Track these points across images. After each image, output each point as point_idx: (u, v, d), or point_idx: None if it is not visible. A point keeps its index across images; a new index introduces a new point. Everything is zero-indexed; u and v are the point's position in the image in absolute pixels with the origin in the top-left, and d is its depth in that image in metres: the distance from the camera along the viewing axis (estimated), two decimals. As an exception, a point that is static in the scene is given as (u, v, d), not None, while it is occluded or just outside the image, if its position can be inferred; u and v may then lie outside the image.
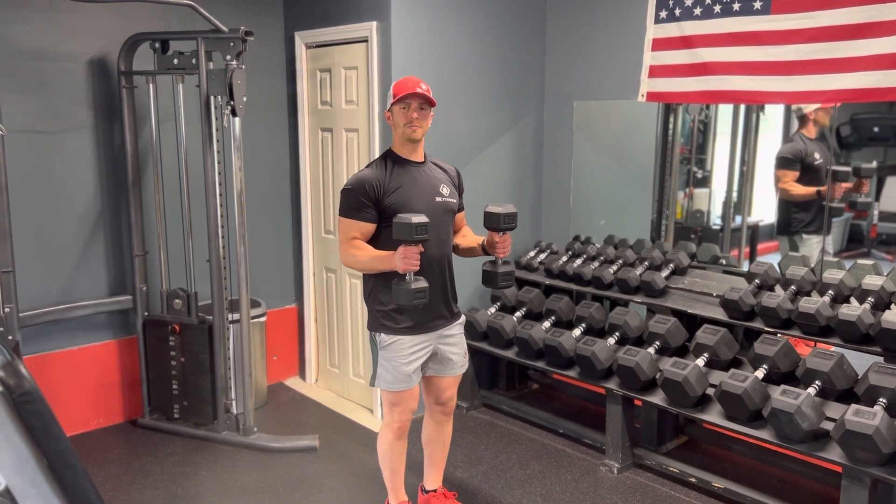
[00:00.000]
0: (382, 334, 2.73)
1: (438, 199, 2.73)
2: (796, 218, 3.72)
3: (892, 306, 3.00)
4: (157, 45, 3.69)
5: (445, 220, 2.76)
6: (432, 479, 3.11)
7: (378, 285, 2.71)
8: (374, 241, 2.69)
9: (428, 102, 2.67)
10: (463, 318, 2.92)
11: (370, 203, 2.63)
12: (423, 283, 2.49)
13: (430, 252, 2.68)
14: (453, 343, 2.86)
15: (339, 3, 4.02)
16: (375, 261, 2.62)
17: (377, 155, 3.82)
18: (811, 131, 3.62)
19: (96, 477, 3.43)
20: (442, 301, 2.78)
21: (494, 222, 2.68)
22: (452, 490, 3.23)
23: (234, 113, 3.47)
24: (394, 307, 2.68)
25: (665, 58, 3.74)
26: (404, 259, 2.47)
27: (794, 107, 3.65)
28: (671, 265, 3.83)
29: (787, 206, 3.79)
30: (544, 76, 4.52)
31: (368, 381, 2.94)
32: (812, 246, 3.60)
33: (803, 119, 3.64)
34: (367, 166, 2.74)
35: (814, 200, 3.62)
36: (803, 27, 3.23)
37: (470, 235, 2.95)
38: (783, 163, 3.72)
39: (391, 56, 3.74)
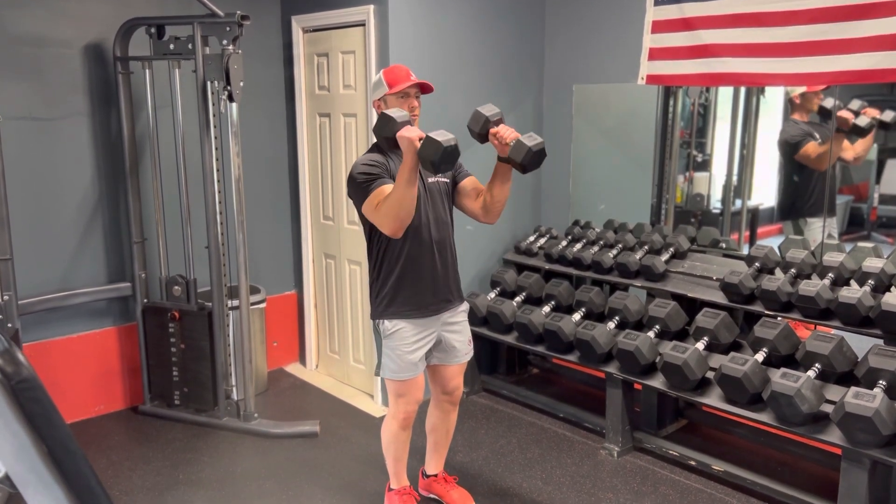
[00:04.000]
0: (385, 322, 2.72)
1: (431, 179, 2.73)
2: (799, 202, 3.71)
3: (893, 289, 2.99)
4: (152, 30, 3.66)
5: (443, 202, 2.75)
6: (434, 464, 3.13)
7: (380, 275, 2.70)
8: (372, 240, 2.69)
9: (424, 91, 2.68)
10: (466, 306, 2.91)
11: (386, 173, 2.56)
12: (449, 135, 2.30)
13: (429, 234, 2.67)
14: (457, 330, 2.86)
15: (336, -14, 3.99)
16: (400, 178, 2.39)
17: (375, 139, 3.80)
18: (802, 115, 3.59)
19: (97, 464, 3.44)
20: (444, 284, 2.76)
21: (480, 124, 2.57)
22: (453, 474, 3.24)
23: (231, 98, 3.45)
24: (395, 293, 2.66)
25: (665, 40, 3.71)
26: (408, 134, 2.34)
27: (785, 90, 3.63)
28: (671, 249, 3.82)
29: (790, 190, 3.77)
30: (543, 59, 4.49)
31: (374, 370, 2.94)
32: (816, 230, 3.59)
33: (793, 103, 3.61)
34: (367, 152, 2.73)
35: (816, 184, 3.60)
36: (804, 8, 3.21)
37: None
38: (797, 145, 3.64)
39: (389, 40, 3.71)
